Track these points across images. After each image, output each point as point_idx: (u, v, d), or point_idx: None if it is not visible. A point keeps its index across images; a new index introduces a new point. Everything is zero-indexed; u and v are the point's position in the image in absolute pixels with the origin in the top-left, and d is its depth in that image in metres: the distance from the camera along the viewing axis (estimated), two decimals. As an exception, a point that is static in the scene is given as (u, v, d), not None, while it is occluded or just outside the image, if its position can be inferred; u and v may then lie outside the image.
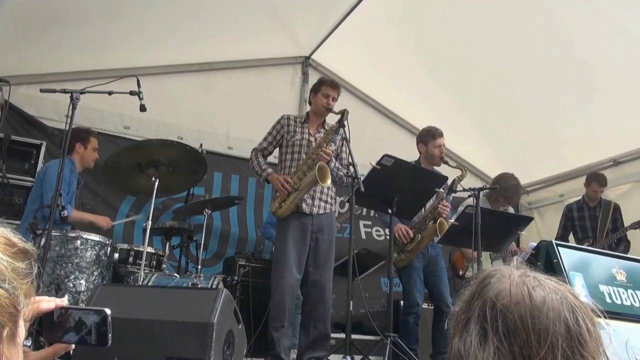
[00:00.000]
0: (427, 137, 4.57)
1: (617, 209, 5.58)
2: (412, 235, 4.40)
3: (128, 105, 4.65)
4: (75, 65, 5.34)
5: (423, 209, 4.43)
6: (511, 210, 5.29)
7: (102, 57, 5.36)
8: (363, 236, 6.61)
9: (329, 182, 3.89)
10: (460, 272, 5.15)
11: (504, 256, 5.04)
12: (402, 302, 4.58)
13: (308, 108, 4.49)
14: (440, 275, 4.55)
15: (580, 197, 5.77)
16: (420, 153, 4.64)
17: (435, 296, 4.52)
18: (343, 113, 3.84)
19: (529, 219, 4.51)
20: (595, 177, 5.57)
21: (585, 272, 2.72)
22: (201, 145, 5.40)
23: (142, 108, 3.55)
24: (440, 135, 4.55)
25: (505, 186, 4.80)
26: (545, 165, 6.57)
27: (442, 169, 4.62)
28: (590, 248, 3.58)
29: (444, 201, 4.40)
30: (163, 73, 5.87)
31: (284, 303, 3.82)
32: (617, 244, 5.42)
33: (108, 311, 1.03)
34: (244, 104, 6.18)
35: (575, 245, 3.86)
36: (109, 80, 3.50)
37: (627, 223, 5.36)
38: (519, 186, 5.00)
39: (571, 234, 5.76)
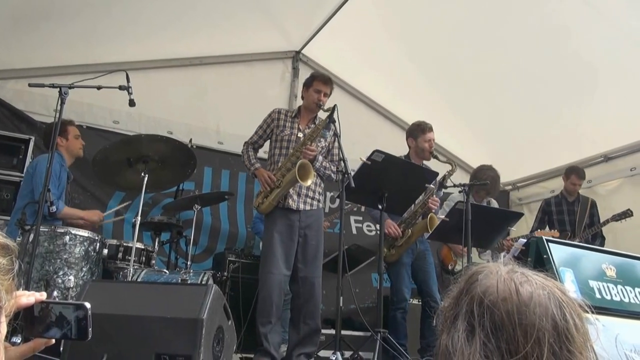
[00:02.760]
0: (417, 131, 4.58)
1: (594, 204, 5.66)
2: (400, 232, 4.41)
3: (117, 99, 4.62)
4: (64, 59, 5.30)
5: (413, 204, 4.44)
6: (494, 203, 5.32)
7: (91, 52, 5.32)
8: (354, 231, 6.62)
9: (309, 182, 3.89)
10: (450, 267, 5.17)
11: (493, 250, 5.08)
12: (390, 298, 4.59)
13: (298, 103, 4.49)
14: (429, 271, 4.57)
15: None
16: (409, 148, 4.65)
17: (424, 292, 4.54)
18: (333, 109, 3.83)
19: (519, 215, 4.53)
20: (574, 170, 5.63)
21: (575, 267, 2.73)
22: (191, 140, 5.41)
23: (131, 103, 3.53)
24: (430, 129, 4.56)
25: (484, 178, 4.82)
26: (536, 161, 6.61)
27: (432, 164, 4.63)
28: (580, 244, 3.61)
29: (434, 196, 4.41)
30: (152, 67, 5.84)
31: (271, 299, 3.82)
32: (593, 239, 5.49)
33: (88, 305, 1.02)
34: (234, 99, 6.16)
35: (566, 240, 3.88)
36: (98, 74, 3.48)
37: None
38: (498, 178, 5.03)
39: (547, 228, 5.80)
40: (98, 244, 3.77)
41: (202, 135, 5.97)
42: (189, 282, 3.72)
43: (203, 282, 3.81)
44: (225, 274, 4.66)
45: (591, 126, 5.60)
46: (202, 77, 6.09)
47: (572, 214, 5.63)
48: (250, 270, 5.03)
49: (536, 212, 6.03)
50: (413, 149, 4.61)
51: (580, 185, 5.62)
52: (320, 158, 4.12)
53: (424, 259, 4.60)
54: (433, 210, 4.41)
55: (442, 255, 5.21)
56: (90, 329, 1.02)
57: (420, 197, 4.42)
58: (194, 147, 5.27)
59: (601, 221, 5.48)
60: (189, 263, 4.29)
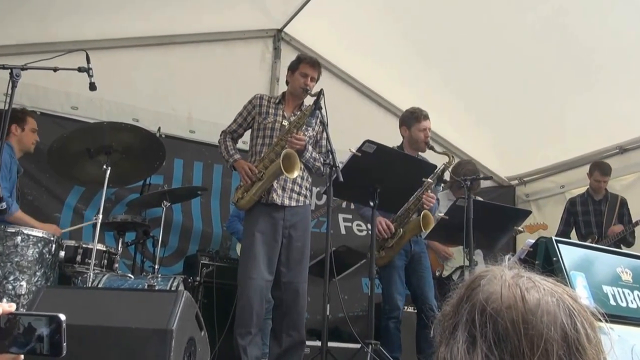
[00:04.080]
0: (411, 119, 4.59)
1: (624, 203, 5.68)
2: (393, 230, 4.41)
3: (76, 83, 4.58)
4: (16, 37, 5.23)
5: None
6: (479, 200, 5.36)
7: (47, 29, 5.26)
8: (342, 231, 6.62)
9: (295, 173, 3.88)
10: (437, 273, 5.20)
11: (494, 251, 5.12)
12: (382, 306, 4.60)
13: (279, 88, 4.48)
14: (424, 275, 4.58)
15: (585, 189, 5.86)
16: (403, 137, 4.66)
17: (419, 298, 4.55)
18: (319, 94, 3.82)
19: (526, 213, 4.57)
20: (597, 166, 5.67)
21: (588, 271, 2.75)
22: (159, 128, 5.39)
23: (92, 86, 3.50)
24: (426, 117, 4.57)
25: (462, 173, 4.86)
26: (545, 153, 6.66)
27: (428, 156, 4.64)
28: (593, 245, 3.64)
29: (430, 191, 4.41)
30: (116, 47, 5.78)
31: (251, 307, 3.81)
32: (623, 243, 5.52)
33: (63, 317, 1.01)
34: (208, 83, 6.13)
35: (577, 241, 3.93)
36: (55, 54, 3.46)
37: (634, 217, 5.47)
38: (476, 172, 5.08)
39: (573, 230, 5.84)
40: (54, 246, 3.74)
41: (172, 123, 5.94)
42: (156, 288, 3.70)
43: (172, 288, 3.80)
44: (198, 279, 4.65)
45: (605, 114, 5.65)
46: (172, 58, 6.05)
47: (599, 214, 5.66)
48: (227, 275, 5.02)
49: (544, 209, 6.09)
50: (407, 139, 4.62)
51: (605, 182, 5.64)
52: (310, 148, 4.12)
53: (419, 261, 4.61)
54: (428, 208, 4.41)
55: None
56: (64, 344, 1.00)
57: (415, 193, 4.44)
58: (163, 136, 5.24)
59: (633, 221, 5.49)
60: (156, 267, 4.27)
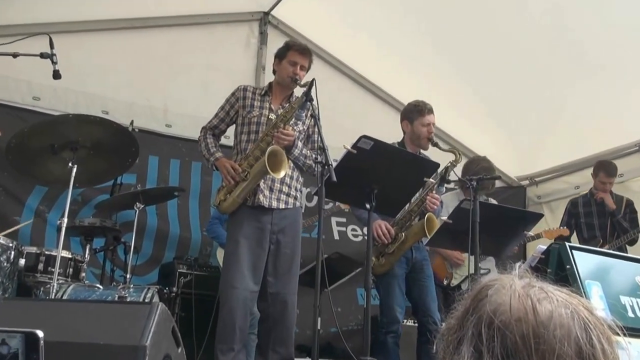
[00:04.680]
0: (414, 113, 4.60)
1: (629, 204, 5.75)
2: (393, 234, 4.42)
3: (38, 70, 4.55)
4: (-30, 19, 5.21)
5: (408, 203, 4.46)
6: (493, 202, 5.38)
7: (5, 10, 5.23)
8: (336, 236, 6.63)
9: (282, 173, 3.89)
10: (445, 282, 5.21)
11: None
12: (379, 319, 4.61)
13: (266, 77, 4.48)
14: (427, 285, 4.59)
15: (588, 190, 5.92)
16: (404, 133, 4.67)
17: (420, 310, 4.55)
18: (310, 84, 3.82)
19: (538, 216, 4.58)
20: (602, 166, 5.72)
21: (604, 280, 2.77)
22: (132, 122, 5.35)
23: (56, 74, 3.49)
24: (430, 111, 4.58)
25: (476, 171, 4.88)
26: (559, 151, 6.68)
27: (431, 153, 4.65)
28: (610, 252, 3.67)
29: (434, 193, 4.43)
30: (83, 31, 5.76)
31: (234, 320, 3.81)
32: (629, 244, 5.58)
33: (40, 334, 1.01)
34: (186, 71, 6.12)
35: (592, 248, 3.94)
36: (14, 38, 3.43)
37: None
38: (491, 169, 5.11)
39: (575, 234, 5.88)
40: (13, 253, 3.73)
41: (146, 116, 5.93)
42: (128, 299, 3.69)
43: (146, 300, 3.79)
44: (175, 289, 4.64)
45: (624, 109, 5.68)
46: (147, 43, 6.03)
47: (602, 216, 5.71)
48: (207, 285, 5.02)
49: (558, 212, 6.12)
50: (408, 135, 4.63)
51: (611, 184, 5.71)
52: (300, 144, 4.12)
53: (420, 270, 4.62)
54: (431, 210, 4.43)
55: (434, 267, 5.24)
56: None
57: (417, 194, 4.45)
58: (136, 130, 5.20)
59: None
60: (128, 276, 4.26)
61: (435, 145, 4.51)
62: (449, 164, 4.46)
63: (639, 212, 5.78)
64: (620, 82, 5.48)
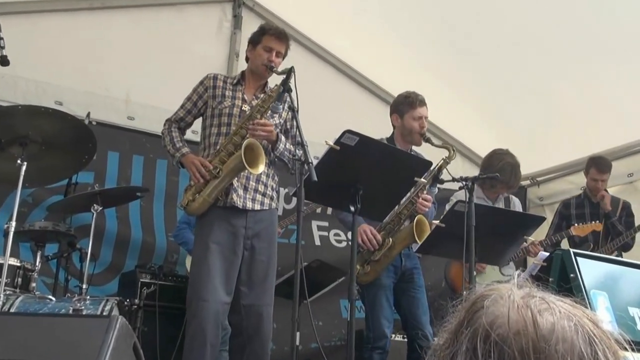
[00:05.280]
0: (404, 105, 4.61)
1: (626, 207, 5.83)
2: (380, 241, 4.42)
3: (-18, 56, 4.50)
4: None
5: (397, 205, 4.47)
6: (516, 201, 5.39)
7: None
8: (317, 242, 6.64)
9: (261, 168, 3.89)
10: (464, 293, 5.22)
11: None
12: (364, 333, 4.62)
13: (239, 65, 4.47)
14: (418, 297, 4.61)
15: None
16: (394, 127, 4.68)
17: (410, 324, 4.57)
18: (288, 72, 3.82)
19: (539, 220, 4.61)
20: (594, 162, 5.79)
21: (611, 290, 2.79)
22: (89, 114, 5.32)
23: (4, 60, 3.46)
24: (422, 103, 4.60)
25: (499, 167, 4.89)
26: (563, 148, 6.73)
27: (424, 150, 4.67)
28: (619, 259, 3.70)
29: (425, 193, 4.44)
30: (34, 11, 5.74)
31: (204, 336, 3.80)
32: (623, 250, 5.66)
33: None
34: (150, 58, 6.11)
35: (599, 254, 3.98)
36: (-47, 19, 3.39)
37: None
38: (517, 165, 5.11)
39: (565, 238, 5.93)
40: (-46, 260, 3.67)
41: (105, 107, 5.90)
42: (84, 312, 3.66)
43: (104, 313, 3.76)
44: (137, 301, 4.61)
45: (635, 103, 5.73)
46: (106, 26, 6.01)
47: (596, 218, 5.76)
48: (174, 297, 5.00)
49: (561, 215, 6.14)
50: (398, 129, 4.64)
51: (604, 182, 5.76)
52: (283, 138, 4.12)
53: (411, 279, 4.64)
54: (422, 213, 4.43)
55: (452, 276, 5.25)
56: None
57: (408, 195, 4.46)
58: (94, 123, 5.20)
59: (636, 226, 5.62)
60: (84, 286, 4.23)
61: (428, 140, 4.52)
62: (442, 161, 4.46)
63: (636, 216, 5.84)
64: (632, 75, 5.53)
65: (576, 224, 5.59)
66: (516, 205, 5.42)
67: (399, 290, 4.62)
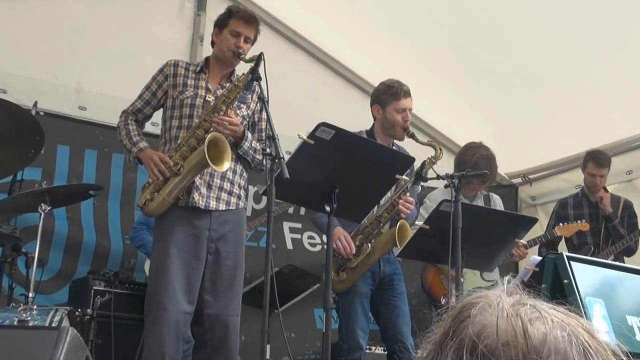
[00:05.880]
0: (387, 96, 4.60)
1: (628, 206, 5.88)
2: (354, 250, 4.40)
3: None
4: None
5: (377, 206, 4.48)
6: (497, 199, 5.44)
7: None
8: (289, 245, 6.64)
9: (225, 165, 3.89)
10: (443, 300, 5.24)
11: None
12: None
13: (204, 51, 4.45)
14: (398, 304, 4.61)
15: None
16: (375, 119, 4.69)
17: (390, 334, 4.57)
18: (257, 59, 3.82)
19: (531, 221, 4.64)
20: (591, 156, 5.81)
21: (609, 297, 2.81)
22: (36, 103, 5.28)
23: (-60, 43, 3.42)
24: (406, 94, 4.59)
25: (474, 161, 4.92)
26: (557, 143, 6.78)
27: (408, 147, 4.68)
28: (616, 264, 3.73)
29: (408, 194, 4.45)
30: (-25, -10, 5.67)
31: (163, 349, 3.78)
32: (626, 254, 5.71)
33: None
34: (104, 43, 6.06)
35: (595, 259, 4.02)
36: None
37: None
38: (492, 157, 5.16)
39: (562, 240, 5.98)
40: None
41: (54, 96, 5.86)
42: (31, 324, 3.63)
43: (53, 324, 3.73)
44: (90, 311, 4.58)
45: (635, 95, 5.79)
46: (56, 7, 5.95)
47: (595, 220, 5.81)
48: (131, 306, 4.98)
49: (556, 216, 6.18)
50: (379, 122, 4.64)
51: (602, 178, 5.78)
52: (249, 135, 4.11)
53: (390, 286, 4.65)
54: (405, 215, 4.44)
55: (429, 282, 5.26)
56: None
57: (388, 195, 4.47)
58: (41, 114, 5.14)
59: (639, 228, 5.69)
60: (31, 295, 4.18)
61: (411, 136, 4.52)
62: (428, 161, 4.45)
63: (639, 216, 5.90)
64: (633, 67, 5.59)
65: (561, 224, 5.63)
66: (497, 203, 5.47)
67: (378, 297, 4.62)
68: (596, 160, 5.76)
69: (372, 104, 4.72)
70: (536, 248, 5.63)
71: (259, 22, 4.29)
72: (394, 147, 4.62)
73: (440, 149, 4.58)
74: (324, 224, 4.09)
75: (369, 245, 4.46)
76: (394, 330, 4.57)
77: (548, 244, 5.75)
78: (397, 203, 4.42)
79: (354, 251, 4.40)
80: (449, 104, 6.89)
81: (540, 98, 6.32)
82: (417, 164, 4.45)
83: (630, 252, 5.73)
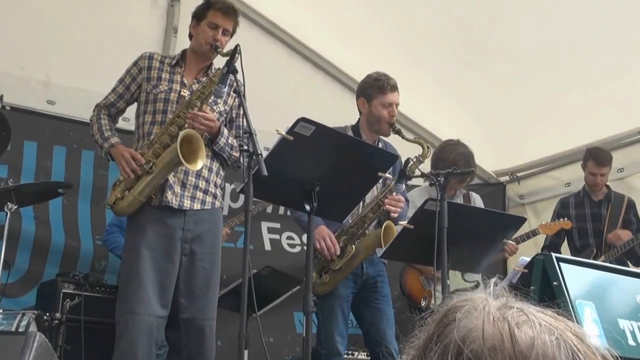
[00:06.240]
0: (373, 89, 4.60)
1: (632, 205, 5.89)
2: (338, 251, 4.40)
3: None
4: None
5: (361, 204, 4.48)
6: (477, 198, 5.46)
7: None
8: (267, 246, 6.64)
9: (199, 164, 3.88)
10: (423, 303, 5.24)
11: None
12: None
13: (178, 43, 4.44)
14: (381, 308, 4.61)
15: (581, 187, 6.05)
16: (360, 114, 4.69)
17: (373, 339, 4.56)
18: (233, 51, 3.81)
19: (519, 220, 4.66)
20: (591, 153, 5.83)
21: (600, 300, 2.82)
22: (1, 97, 5.25)
23: None
24: (393, 88, 4.59)
25: (451, 159, 4.94)
26: (545, 140, 6.81)
27: (394, 140, 4.68)
28: (608, 265, 3.75)
29: (395, 194, 4.44)
30: None
31: (135, 355, 3.77)
32: (629, 257, 5.73)
33: None
34: (75, 33, 6.04)
35: (585, 260, 4.03)
36: None
37: None
38: (470, 155, 5.18)
39: (565, 242, 6.01)
40: None
41: (21, 89, 5.83)
42: (-4, 329, 3.62)
43: (20, 329, 3.72)
44: (59, 315, 4.55)
45: (624, 89, 5.82)
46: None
47: (597, 219, 5.83)
48: (101, 310, 4.94)
49: (544, 215, 6.21)
50: (364, 116, 4.64)
51: (603, 176, 5.81)
52: (225, 131, 4.10)
53: (374, 289, 4.64)
54: (394, 216, 4.43)
55: (408, 284, 5.26)
56: None
57: (375, 193, 4.47)
58: (7, 108, 5.12)
59: None
60: (-4, 298, 4.17)
61: (398, 132, 4.51)
62: (415, 160, 4.43)
63: None
64: (620, 62, 5.63)
65: (543, 222, 5.66)
66: (477, 202, 5.50)
67: (361, 301, 4.62)
68: (596, 159, 5.76)
69: (357, 97, 4.72)
70: (528, 248, 5.62)
71: (238, 14, 4.28)
72: (380, 144, 4.64)
73: (428, 147, 4.55)
74: (306, 222, 4.11)
75: (353, 246, 4.45)
76: (378, 335, 4.56)
77: (550, 246, 5.78)
78: (383, 203, 4.42)
79: (338, 252, 4.40)
80: (433, 99, 6.91)
81: (528, 94, 6.34)
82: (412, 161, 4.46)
83: (636, 258, 5.72)
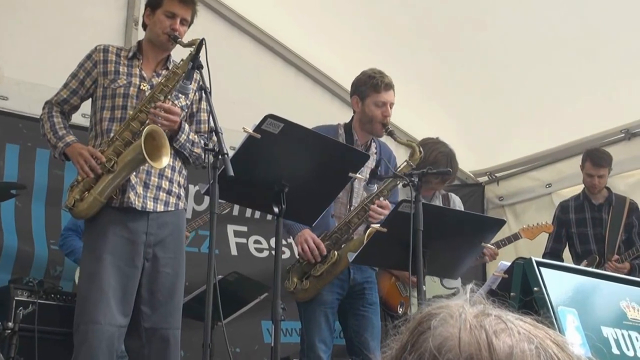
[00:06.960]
0: (367, 87, 4.59)
1: (634, 209, 5.92)
2: (324, 252, 4.39)
3: None
4: None
5: (348, 207, 4.49)
6: (456, 199, 5.49)
7: None
8: (233, 251, 6.64)
9: (165, 161, 3.87)
10: (400, 310, 5.25)
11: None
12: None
13: (139, 34, 4.41)
14: (367, 316, 4.60)
15: (580, 188, 6.08)
16: (354, 112, 4.71)
17: (356, 349, 4.55)
18: (199, 45, 3.80)
19: (498, 223, 4.68)
20: (588, 155, 5.89)
21: (582, 307, 2.84)
22: (-50, 93, 5.21)
23: None
24: (388, 87, 4.58)
25: (432, 159, 4.96)
26: (526, 139, 6.86)
27: (389, 140, 4.69)
28: (591, 270, 3.77)
29: (382, 199, 4.42)
30: None
31: (94, 366, 3.75)
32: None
33: None
34: (27, 24, 5.99)
35: (567, 264, 4.06)
36: None
37: None
38: (452, 154, 5.20)
39: (567, 248, 6.04)
40: None
41: (-29, 85, 5.76)
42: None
43: (-30, 340, 3.68)
44: (11, 324, 4.52)
45: (607, 87, 5.89)
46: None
47: (598, 224, 5.86)
48: (57, 319, 4.95)
49: (524, 217, 6.25)
50: (357, 116, 4.66)
51: (601, 178, 5.83)
52: (187, 127, 4.09)
53: (360, 296, 4.63)
54: (372, 221, 4.39)
55: (384, 290, 5.26)
56: None
57: (361, 200, 4.47)
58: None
59: None
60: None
61: (390, 134, 4.51)
62: (404, 164, 4.43)
63: None
64: (602, 55, 5.69)
65: (524, 226, 5.69)
66: (457, 204, 5.51)
67: (346, 308, 4.61)
68: (594, 160, 5.81)
69: (351, 95, 4.74)
70: (508, 253, 5.63)
71: (197, 3, 4.26)
72: (373, 144, 4.67)
73: (420, 150, 4.53)
74: (291, 226, 4.11)
75: (336, 252, 4.41)
76: (361, 345, 4.53)
77: (552, 253, 5.82)
78: (369, 208, 4.42)
79: (324, 252, 4.38)
80: (409, 97, 6.92)
81: (507, 94, 6.39)
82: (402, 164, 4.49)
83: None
